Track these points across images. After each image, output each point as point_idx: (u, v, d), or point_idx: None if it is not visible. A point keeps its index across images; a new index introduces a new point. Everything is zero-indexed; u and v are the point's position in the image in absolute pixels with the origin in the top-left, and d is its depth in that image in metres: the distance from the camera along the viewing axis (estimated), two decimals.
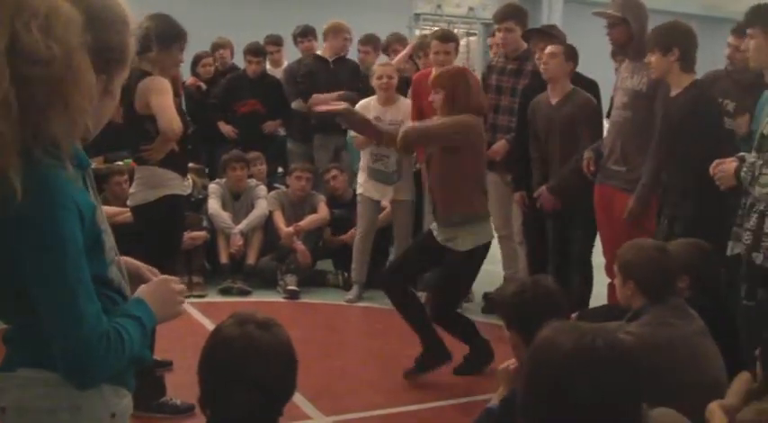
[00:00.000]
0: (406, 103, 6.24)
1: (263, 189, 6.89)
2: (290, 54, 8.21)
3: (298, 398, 3.96)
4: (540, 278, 3.17)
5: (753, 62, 4.00)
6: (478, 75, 6.26)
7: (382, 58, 7.56)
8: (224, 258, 6.57)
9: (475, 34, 14.36)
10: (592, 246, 5.31)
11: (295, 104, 7.52)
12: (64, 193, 1.62)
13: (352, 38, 7.87)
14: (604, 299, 4.89)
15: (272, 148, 7.71)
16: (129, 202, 4.52)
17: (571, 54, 5.24)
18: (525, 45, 5.89)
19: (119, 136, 4.03)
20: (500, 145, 5.81)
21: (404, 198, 6.31)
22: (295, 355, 2.11)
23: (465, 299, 5.62)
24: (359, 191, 6.38)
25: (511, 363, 3.05)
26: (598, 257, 5.16)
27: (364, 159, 6.28)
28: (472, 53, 13.46)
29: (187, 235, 5.90)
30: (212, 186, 6.85)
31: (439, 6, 14.29)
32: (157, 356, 4.13)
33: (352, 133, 6.41)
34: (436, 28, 9.78)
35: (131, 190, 4.45)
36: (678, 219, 4.30)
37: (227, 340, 2.06)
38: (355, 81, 7.29)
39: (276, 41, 8.09)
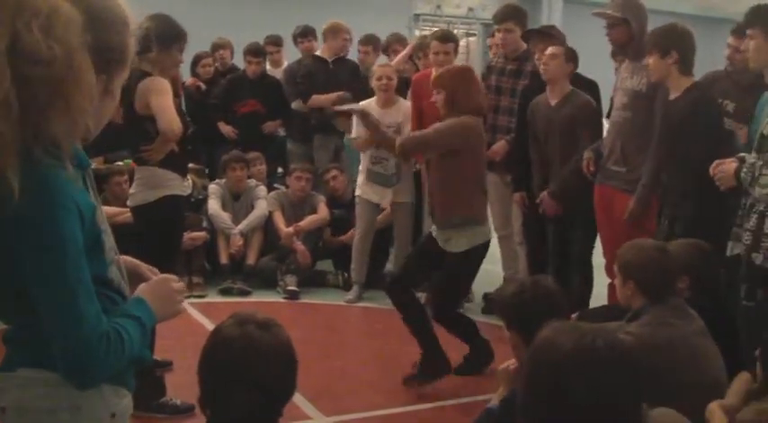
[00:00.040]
0: (405, 104, 6.24)
1: (262, 189, 6.90)
2: (290, 54, 8.21)
3: (298, 398, 3.96)
4: (540, 278, 3.17)
5: (752, 63, 4.00)
6: (478, 75, 6.26)
7: (382, 59, 7.56)
8: (224, 259, 6.58)
9: (474, 35, 14.35)
10: (592, 246, 5.31)
11: (295, 105, 7.53)
12: (64, 193, 1.62)
13: (352, 38, 7.88)
14: (604, 299, 4.89)
15: (272, 148, 7.71)
16: (128, 203, 4.52)
17: (571, 56, 5.26)
18: (525, 46, 5.89)
19: (119, 136, 4.03)
20: (500, 146, 5.81)
21: (404, 200, 6.32)
22: (295, 356, 2.12)
23: (465, 299, 5.62)
24: (357, 193, 6.38)
25: (511, 363, 3.05)
26: (598, 258, 5.16)
27: (364, 162, 6.29)
28: (472, 54, 13.45)
29: (187, 235, 5.91)
30: (212, 187, 6.85)
31: (438, 7, 14.28)
32: (157, 356, 4.13)
33: (351, 135, 6.42)
34: (436, 28, 9.77)
35: (131, 190, 4.46)
36: (678, 219, 4.30)
37: (227, 340, 2.06)
38: (355, 81, 7.29)
39: (276, 42, 8.10)
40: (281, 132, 7.87)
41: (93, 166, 1.83)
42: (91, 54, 1.62)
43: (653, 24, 4.69)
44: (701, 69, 4.64)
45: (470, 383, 4.62)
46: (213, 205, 6.70)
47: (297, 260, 6.55)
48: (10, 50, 1.51)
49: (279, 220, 6.76)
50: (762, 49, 3.85)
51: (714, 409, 2.83)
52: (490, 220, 5.10)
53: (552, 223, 5.38)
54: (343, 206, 6.96)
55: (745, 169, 3.54)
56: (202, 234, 6.54)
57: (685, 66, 4.37)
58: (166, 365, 4.58)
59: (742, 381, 3.02)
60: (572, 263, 5.28)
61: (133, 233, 4.20)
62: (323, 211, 6.83)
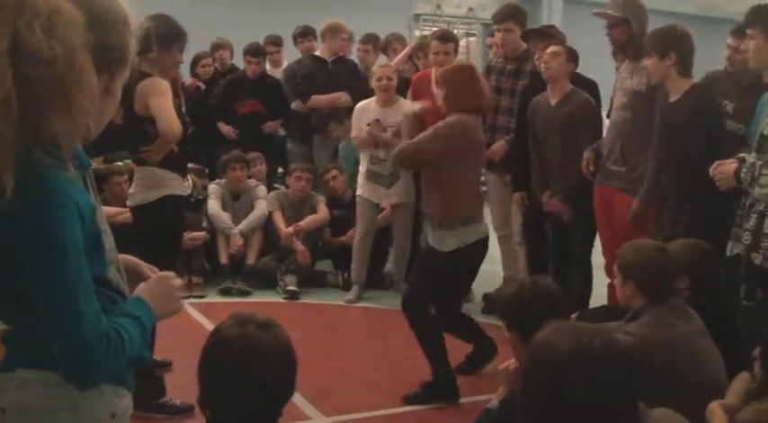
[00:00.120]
0: (405, 104, 6.23)
1: (262, 189, 6.90)
2: (290, 54, 8.21)
3: (297, 398, 3.96)
4: (540, 278, 3.16)
5: (752, 63, 4.00)
6: None
7: (381, 58, 7.56)
8: (224, 259, 6.58)
9: (474, 35, 14.34)
10: (591, 246, 5.31)
11: (295, 105, 7.53)
12: (64, 193, 1.62)
13: (353, 38, 7.88)
14: (604, 299, 4.89)
15: (272, 148, 7.71)
16: (128, 203, 4.52)
17: (572, 55, 5.25)
18: (524, 45, 5.90)
19: (118, 137, 4.03)
20: (499, 145, 5.81)
21: (403, 200, 6.32)
22: (295, 356, 2.12)
23: (465, 299, 5.60)
24: (358, 192, 6.39)
25: (511, 363, 3.05)
26: (598, 258, 5.16)
27: (364, 162, 6.29)
28: (471, 54, 13.43)
29: (187, 235, 5.90)
30: (212, 187, 6.85)
31: (438, 7, 14.27)
32: (157, 357, 4.13)
33: (351, 134, 6.43)
34: (436, 28, 9.77)
35: (131, 190, 4.46)
36: (680, 222, 4.30)
37: (226, 341, 2.06)
38: (354, 81, 7.29)
39: (276, 42, 8.10)
40: (281, 132, 7.87)
41: (93, 166, 1.84)
42: (92, 54, 1.62)
43: (653, 24, 4.69)
44: (700, 70, 4.64)
45: (470, 384, 4.61)
46: (213, 205, 6.70)
47: (297, 260, 6.55)
48: (11, 50, 1.51)
49: (279, 220, 6.76)
50: (762, 49, 3.85)
51: (714, 408, 2.83)
52: (489, 219, 5.08)
53: (551, 220, 5.38)
54: (342, 206, 6.96)
55: (744, 169, 3.54)
56: (202, 234, 6.54)
57: (684, 67, 4.37)
58: (166, 365, 4.58)
59: (742, 380, 3.02)
60: (571, 263, 5.28)
61: (133, 233, 4.20)
62: (323, 212, 6.83)
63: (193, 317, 5.55)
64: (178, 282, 1.92)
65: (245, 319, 2.09)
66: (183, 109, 5.36)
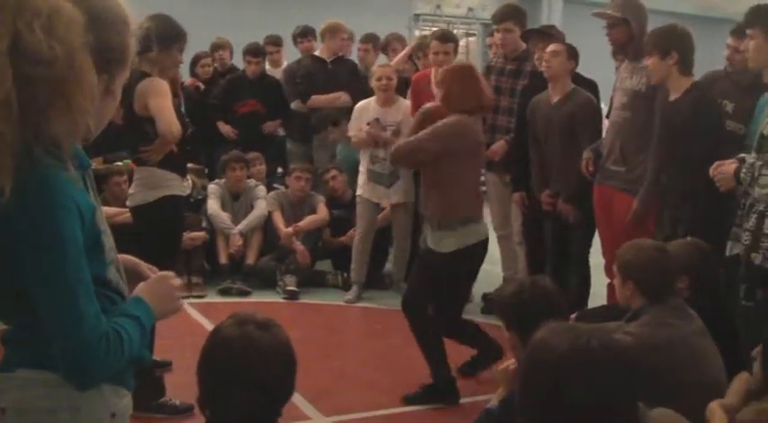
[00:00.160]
0: (405, 103, 6.24)
1: (262, 189, 6.90)
2: (290, 54, 8.21)
3: (297, 398, 3.97)
4: (539, 278, 3.16)
5: (752, 62, 4.00)
6: None
7: (381, 59, 7.56)
8: (223, 259, 6.58)
9: (474, 35, 14.35)
10: (590, 246, 5.31)
11: (294, 105, 7.53)
12: (64, 193, 1.62)
13: (353, 38, 7.88)
14: (604, 299, 4.89)
15: (272, 148, 7.71)
16: (128, 203, 4.52)
17: (573, 53, 5.24)
18: (524, 45, 5.90)
19: (118, 137, 4.03)
20: (499, 146, 5.81)
21: (403, 200, 6.31)
22: (294, 356, 2.11)
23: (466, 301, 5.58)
24: (358, 192, 6.38)
25: (510, 363, 3.05)
26: (597, 257, 5.16)
27: (364, 161, 6.29)
28: (471, 54, 13.43)
29: (186, 235, 5.90)
30: (212, 187, 6.85)
31: (438, 7, 14.27)
32: (157, 357, 4.13)
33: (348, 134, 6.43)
34: (435, 28, 9.77)
35: (131, 190, 4.46)
36: (681, 221, 4.30)
37: (226, 341, 2.06)
38: (354, 81, 7.30)
39: (276, 42, 8.10)
40: (281, 132, 7.88)
41: (93, 166, 1.83)
42: (92, 54, 1.62)
43: (653, 24, 4.69)
44: (700, 69, 4.64)
45: (470, 384, 4.62)
46: (212, 205, 6.70)
47: (296, 260, 6.55)
48: (11, 50, 1.51)
49: (278, 220, 6.76)
50: (761, 49, 3.85)
51: (714, 408, 2.83)
52: (489, 220, 5.07)
53: (550, 220, 5.38)
54: (342, 206, 6.96)
55: (744, 169, 3.54)
56: (202, 234, 6.54)
57: (685, 66, 4.37)
58: (166, 366, 4.58)
59: (742, 380, 3.02)
60: (570, 262, 5.28)
61: (132, 233, 4.20)
62: (322, 212, 6.83)
63: (193, 317, 5.55)
64: (177, 281, 1.92)
65: (245, 320, 2.09)
66: (183, 109, 5.35)
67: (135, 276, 1.94)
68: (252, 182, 6.92)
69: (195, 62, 7.88)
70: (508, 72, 5.91)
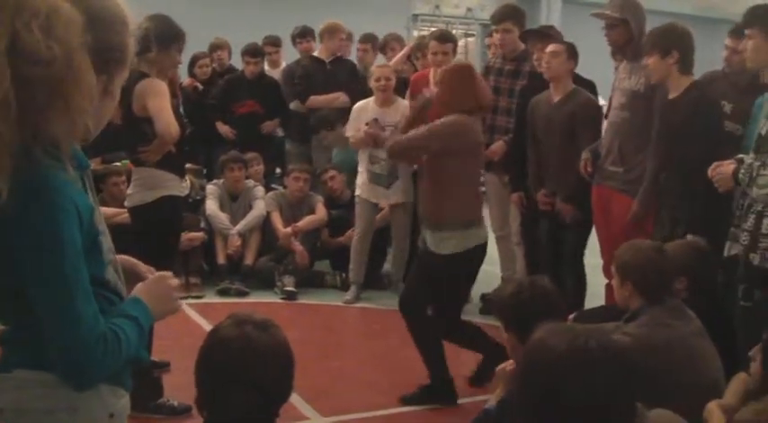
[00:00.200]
0: (404, 104, 6.24)
1: (260, 190, 6.90)
2: (289, 55, 8.21)
3: (295, 399, 3.96)
4: (537, 279, 3.15)
5: (750, 62, 4.00)
6: None
7: (380, 59, 7.56)
8: (222, 259, 6.58)
9: (473, 35, 14.36)
10: (584, 245, 5.31)
11: (293, 105, 7.53)
12: (63, 193, 1.62)
13: (352, 39, 7.88)
14: (602, 299, 4.89)
15: (270, 148, 7.71)
16: (126, 204, 4.52)
17: (572, 52, 5.24)
18: (523, 46, 5.89)
19: (117, 137, 4.03)
20: (498, 146, 5.81)
21: (402, 200, 6.31)
22: (293, 356, 2.11)
23: (465, 303, 5.56)
24: (357, 193, 6.38)
25: (509, 364, 3.05)
26: (595, 258, 5.16)
27: (363, 162, 6.29)
28: (470, 54, 13.44)
29: (185, 236, 5.90)
30: (210, 187, 6.85)
31: (437, 7, 14.29)
32: (155, 357, 4.13)
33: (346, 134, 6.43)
34: (434, 29, 9.78)
35: (129, 191, 4.46)
36: (679, 221, 4.30)
37: (224, 341, 2.06)
38: (353, 82, 7.30)
39: (274, 42, 8.10)
40: (280, 133, 7.88)
41: (92, 166, 1.83)
42: (90, 54, 1.62)
43: (652, 24, 4.68)
44: (699, 70, 4.64)
45: (469, 384, 4.61)
46: (211, 206, 6.70)
47: (295, 261, 6.55)
48: (9, 50, 1.51)
49: (277, 220, 6.76)
50: (760, 49, 3.85)
51: (713, 408, 2.83)
52: (488, 220, 5.06)
53: (546, 220, 5.37)
54: (341, 206, 6.96)
55: (743, 170, 3.54)
56: (200, 234, 6.54)
57: (686, 65, 4.37)
58: (164, 366, 4.57)
59: (740, 381, 3.02)
60: (564, 263, 5.26)
61: (131, 234, 4.20)
62: (321, 212, 6.83)
63: (191, 317, 5.55)
64: (175, 282, 1.92)
65: (243, 320, 2.09)
66: (181, 109, 5.35)
67: (133, 277, 1.93)
68: (250, 182, 6.92)
69: (194, 62, 7.89)
70: (507, 72, 5.91)
